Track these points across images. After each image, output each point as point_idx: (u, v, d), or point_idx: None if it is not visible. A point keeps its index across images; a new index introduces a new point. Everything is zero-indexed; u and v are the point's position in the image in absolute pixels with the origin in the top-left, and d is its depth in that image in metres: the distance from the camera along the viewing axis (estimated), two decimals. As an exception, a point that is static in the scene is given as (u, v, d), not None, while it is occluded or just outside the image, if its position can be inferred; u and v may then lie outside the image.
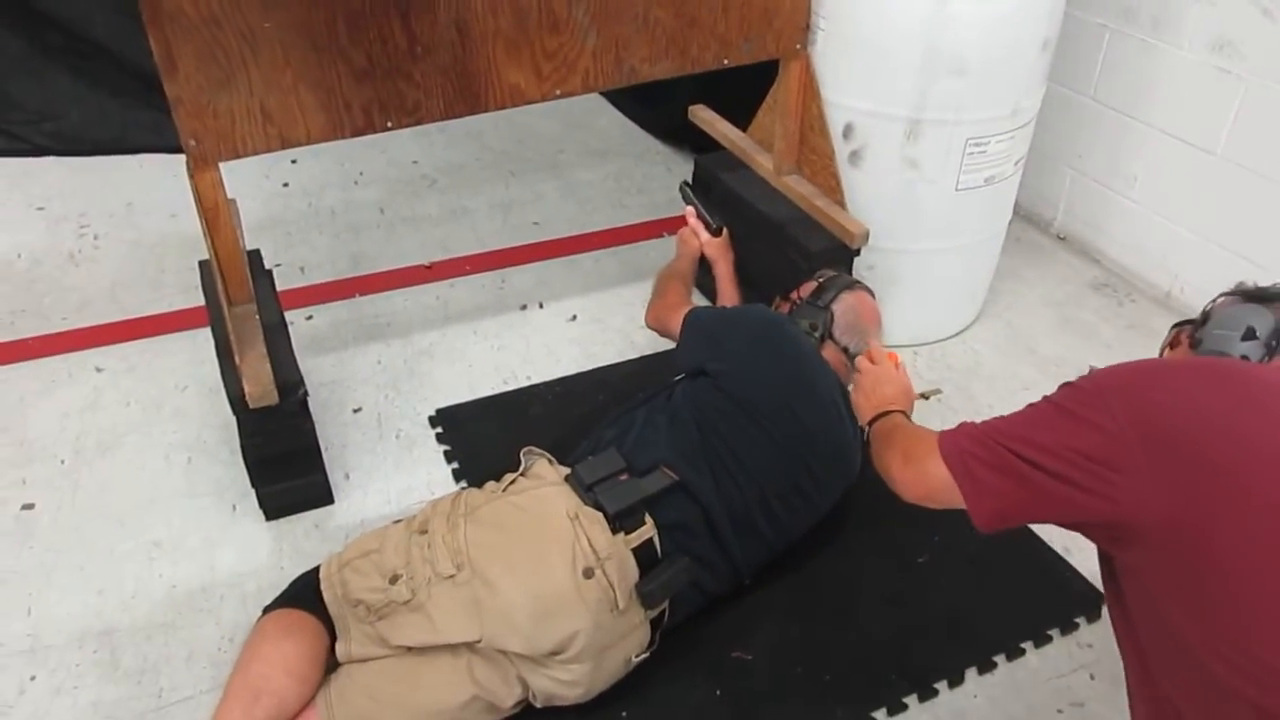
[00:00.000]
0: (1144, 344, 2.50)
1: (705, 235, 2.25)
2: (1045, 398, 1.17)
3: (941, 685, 1.68)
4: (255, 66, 1.70)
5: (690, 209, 2.30)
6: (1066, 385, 1.16)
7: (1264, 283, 1.32)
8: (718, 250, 2.25)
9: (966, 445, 1.17)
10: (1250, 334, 1.23)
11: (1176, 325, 1.39)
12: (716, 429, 1.67)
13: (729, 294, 2.22)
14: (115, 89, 3.18)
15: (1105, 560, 1.18)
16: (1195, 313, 1.36)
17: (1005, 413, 1.31)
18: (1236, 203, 2.46)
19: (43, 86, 3.14)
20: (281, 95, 1.75)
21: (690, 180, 2.38)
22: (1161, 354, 1.40)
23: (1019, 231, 2.92)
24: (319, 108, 1.80)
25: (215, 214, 1.81)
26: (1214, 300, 1.34)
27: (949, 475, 1.17)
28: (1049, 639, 1.77)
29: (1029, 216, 3.04)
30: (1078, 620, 1.80)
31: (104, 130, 3.21)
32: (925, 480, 1.22)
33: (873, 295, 1.99)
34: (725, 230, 2.27)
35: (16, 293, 2.61)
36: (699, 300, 2.29)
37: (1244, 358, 1.22)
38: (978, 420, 1.21)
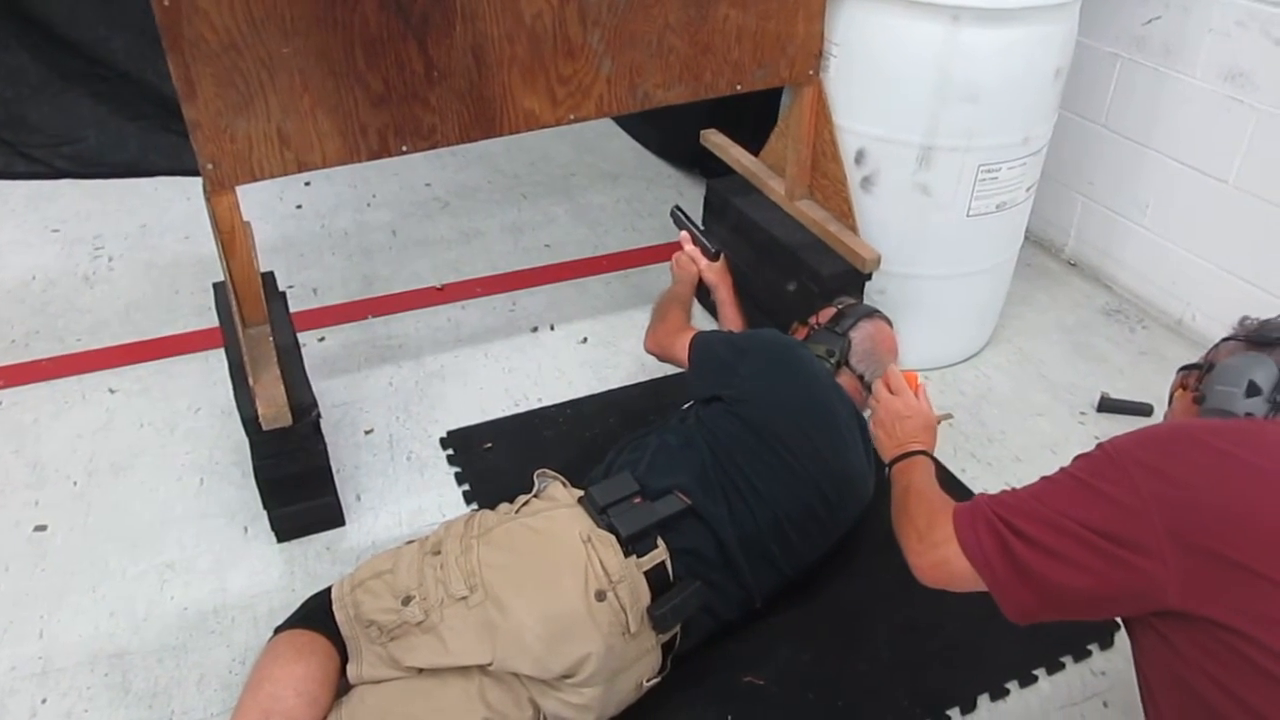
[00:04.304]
0: (1156, 371, 2.50)
1: (704, 261, 2.23)
2: (1062, 469, 1.14)
3: (954, 712, 1.67)
4: (273, 92, 1.72)
5: (685, 234, 2.28)
6: (1082, 456, 1.13)
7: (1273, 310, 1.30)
8: (718, 275, 2.24)
9: (985, 537, 1.13)
10: (1253, 389, 1.21)
11: (1183, 369, 1.38)
12: (731, 455, 1.67)
13: (732, 318, 2.22)
14: (134, 113, 3.22)
15: (1129, 622, 1.16)
16: (1208, 340, 1.36)
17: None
18: (1249, 231, 2.46)
19: (62, 111, 3.18)
20: (299, 120, 1.77)
21: (681, 205, 2.35)
22: (1171, 397, 1.39)
23: (1030, 257, 2.92)
24: (335, 132, 1.82)
25: (232, 237, 1.82)
26: (1217, 345, 1.33)
27: (969, 566, 1.14)
28: (1062, 666, 1.76)
29: (1040, 242, 3.05)
30: (1090, 648, 1.79)
31: (122, 154, 3.25)
32: (944, 568, 1.18)
33: (891, 325, 1.99)
34: (723, 254, 2.25)
35: (31, 314, 2.63)
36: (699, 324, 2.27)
37: (1248, 414, 1.21)
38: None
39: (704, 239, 2.25)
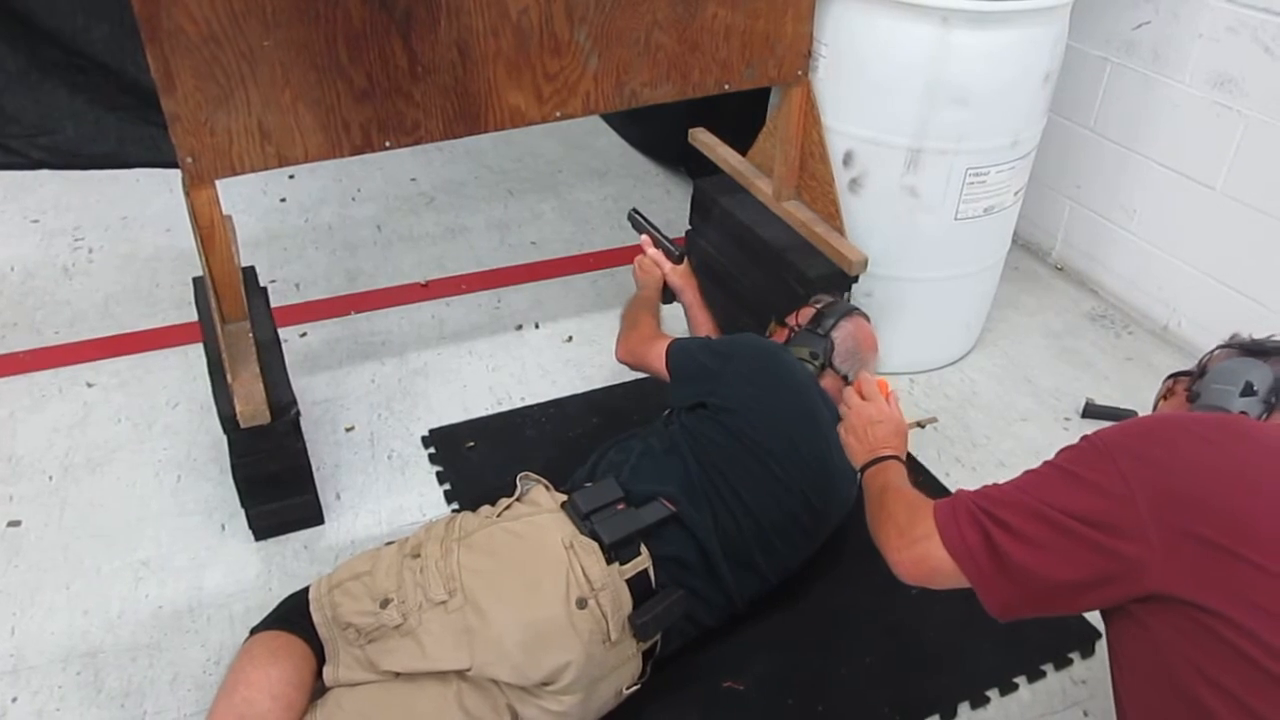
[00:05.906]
0: (1141, 376, 2.50)
1: (669, 264, 2.18)
2: (1046, 461, 1.14)
3: (934, 719, 1.66)
4: (254, 85, 1.70)
5: (646, 238, 2.22)
6: (1066, 448, 1.13)
7: (1266, 320, 1.32)
8: (683, 278, 2.17)
9: (967, 529, 1.12)
10: (1249, 390, 1.22)
11: (1172, 376, 1.39)
12: (716, 463, 1.65)
13: (702, 320, 2.15)
14: (112, 104, 3.18)
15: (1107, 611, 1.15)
16: (1193, 347, 1.37)
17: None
18: (1236, 238, 2.45)
19: (39, 101, 3.14)
20: (280, 114, 1.75)
21: (638, 208, 2.29)
22: (1156, 404, 1.40)
23: (1017, 261, 2.92)
24: (318, 127, 1.79)
25: (211, 232, 1.79)
26: (1211, 352, 1.34)
27: (951, 560, 1.13)
28: (1042, 674, 1.76)
29: (1027, 246, 3.05)
30: (1071, 656, 1.78)
31: (100, 145, 3.20)
32: (926, 563, 1.16)
33: (869, 321, 1.97)
34: (686, 256, 2.20)
35: (9, 306, 2.60)
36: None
37: (1242, 414, 1.21)
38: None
39: (666, 241, 2.20)
